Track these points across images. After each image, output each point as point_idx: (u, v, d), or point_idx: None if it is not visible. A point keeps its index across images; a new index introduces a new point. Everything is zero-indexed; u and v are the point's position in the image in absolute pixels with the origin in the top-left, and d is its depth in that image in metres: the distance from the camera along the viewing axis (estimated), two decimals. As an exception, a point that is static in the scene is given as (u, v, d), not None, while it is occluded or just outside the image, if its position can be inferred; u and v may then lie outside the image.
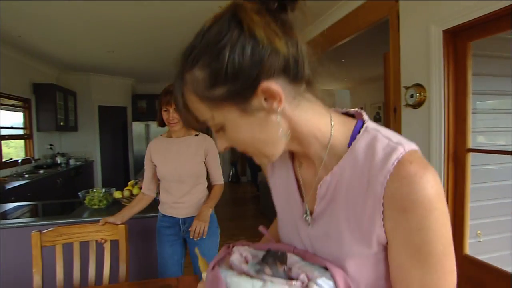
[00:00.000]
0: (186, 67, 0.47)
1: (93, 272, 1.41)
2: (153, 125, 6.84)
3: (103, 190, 2.14)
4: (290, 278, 0.50)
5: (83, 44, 4.11)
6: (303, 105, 0.50)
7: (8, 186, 3.17)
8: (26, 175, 3.90)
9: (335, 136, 0.52)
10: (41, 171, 4.26)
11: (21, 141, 4.58)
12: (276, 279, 0.48)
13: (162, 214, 1.79)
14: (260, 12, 0.44)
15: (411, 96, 2.07)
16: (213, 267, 0.55)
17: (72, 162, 5.13)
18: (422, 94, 2.01)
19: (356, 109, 0.57)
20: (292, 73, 0.46)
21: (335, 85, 8.20)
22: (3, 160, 3.94)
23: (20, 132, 4.51)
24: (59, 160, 4.95)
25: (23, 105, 4.54)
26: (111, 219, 1.52)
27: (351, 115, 0.57)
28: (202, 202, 1.75)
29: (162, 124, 1.75)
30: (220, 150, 0.58)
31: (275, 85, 0.45)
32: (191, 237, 1.58)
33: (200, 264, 0.70)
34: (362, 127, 0.51)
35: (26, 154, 4.59)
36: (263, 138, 0.50)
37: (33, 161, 4.44)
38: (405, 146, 0.46)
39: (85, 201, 2.08)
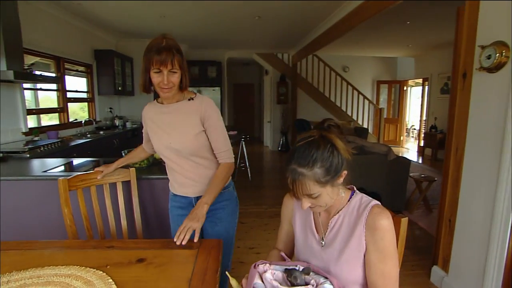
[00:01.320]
0: (307, 168, 0.89)
1: (110, 209, 1.69)
2: (205, 91, 6.96)
3: (146, 150, 2.20)
4: (306, 284, 0.91)
5: (138, 10, 4.19)
6: (346, 174, 0.96)
7: (71, 143, 3.48)
8: (88, 135, 4.25)
9: (343, 199, 1.02)
10: (101, 132, 4.61)
11: (85, 104, 4.97)
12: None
13: (172, 193, 1.56)
14: (336, 137, 0.93)
15: (488, 57, 1.71)
16: None
17: (128, 124, 5.48)
18: (503, 54, 1.64)
19: (351, 185, 1.04)
20: (348, 159, 0.94)
21: (396, 52, 7.38)
22: (70, 120, 4.33)
23: (84, 95, 4.89)
24: (117, 122, 5.31)
25: (85, 70, 4.88)
26: (102, 168, 1.65)
27: (348, 188, 1.04)
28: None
29: (148, 89, 1.37)
30: (303, 208, 0.96)
31: (344, 171, 0.94)
32: (174, 240, 1.24)
33: (233, 284, 0.97)
34: (354, 193, 1.03)
35: (89, 116, 4.99)
36: (333, 200, 0.97)
37: (94, 123, 4.82)
38: (374, 201, 0.97)
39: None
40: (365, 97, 8.14)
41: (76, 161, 2.44)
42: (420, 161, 6.90)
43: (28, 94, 3.81)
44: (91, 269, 1.07)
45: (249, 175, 5.21)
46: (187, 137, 1.39)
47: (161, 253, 1.18)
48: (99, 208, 1.66)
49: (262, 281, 0.93)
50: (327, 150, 0.90)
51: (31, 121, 3.71)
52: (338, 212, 1.01)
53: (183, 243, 1.22)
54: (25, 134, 3.38)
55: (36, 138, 3.33)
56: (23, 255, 1.18)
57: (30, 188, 1.96)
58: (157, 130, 1.45)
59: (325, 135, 0.93)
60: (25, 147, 2.79)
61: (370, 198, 0.99)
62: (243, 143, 5.08)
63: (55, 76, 3.47)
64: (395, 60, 8.88)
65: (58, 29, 4.10)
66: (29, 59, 3.82)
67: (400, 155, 3.75)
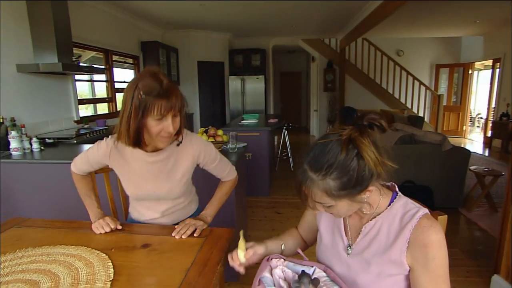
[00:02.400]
0: (318, 175, 0.74)
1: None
2: (249, 79, 6.91)
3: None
4: None
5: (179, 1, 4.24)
6: (375, 188, 0.81)
7: (117, 131, 3.68)
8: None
9: (381, 202, 0.85)
10: (147, 120, 4.82)
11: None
12: None
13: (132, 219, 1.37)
14: (368, 143, 0.74)
15: None
16: (259, 283, 0.82)
17: (174, 113, 5.66)
18: None
19: (392, 183, 0.87)
20: (379, 173, 0.76)
21: (460, 30, 6.53)
22: (118, 109, 4.59)
23: (132, 85, 5.15)
24: (163, 111, 5.51)
25: (133, 62, 5.11)
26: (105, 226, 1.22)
27: (387, 186, 0.89)
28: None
29: (137, 140, 1.07)
30: (313, 210, 0.83)
31: (372, 187, 0.77)
32: (173, 235, 1.15)
33: (240, 244, 0.91)
34: (396, 195, 0.86)
35: (137, 105, 5.25)
36: (351, 212, 0.85)
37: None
38: (423, 209, 0.80)
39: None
40: (421, 83, 7.43)
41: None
42: (487, 154, 6.12)
43: (85, 86, 4.11)
44: (96, 251, 1.06)
45: (291, 165, 5.07)
46: (177, 184, 1.24)
47: (167, 239, 1.14)
48: (124, 193, 1.68)
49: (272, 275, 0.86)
50: (350, 159, 0.72)
51: (88, 111, 4.01)
52: (375, 217, 0.84)
53: (183, 237, 1.15)
54: (77, 122, 3.64)
55: (86, 126, 3.57)
56: (44, 233, 1.22)
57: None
58: (136, 179, 1.22)
59: (355, 138, 0.73)
60: (73, 134, 2.99)
61: (417, 205, 0.82)
62: (286, 131, 4.94)
63: (99, 67, 3.67)
64: (458, 40, 7.92)
65: (107, 23, 4.34)
66: (86, 54, 4.12)
67: (463, 146, 3.31)
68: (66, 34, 3.08)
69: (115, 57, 4.56)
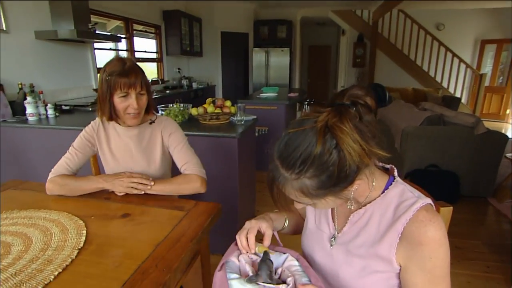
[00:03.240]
0: (291, 173, 0.61)
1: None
2: (273, 52, 6.67)
3: (181, 105, 2.15)
4: (283, 281, 0.70)
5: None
6: (363, 179, 0.66)
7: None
8: (154, 93, 4.47)
9: (374, 188, 0.73)
10: (167, 91, 4.82)
11: (154, 64, 5.23)
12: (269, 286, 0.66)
13: None
14: (350, 130, 0.59)
15: None
16: (220, 267, 0.72)
17: (195, 85, 5.62)
18: None
19: (391, 165, 0.77)
20: (367, 164, 0.62)
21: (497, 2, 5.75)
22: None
23: (153, 56, 5.12)
24: (184, 82, 5.48)
25: (154, 31, 5.05)
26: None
27: (386, 169, 0.78)
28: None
29: (111, 115, 1.19)
30: (297, 208, 0.74)
31: (359, 178, 0.64)
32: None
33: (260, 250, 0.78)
34: (393, 181, 0.73)
35: (158, 76, 5.25)
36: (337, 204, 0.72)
37: (160, 82, 5.05)
38: (423, 200, 0.67)
39: (163, 115, 2.15)
40: (461, 61, 6.80)
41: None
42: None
43: (107, 55, 4.13)
44: (76, 217, 1.04)
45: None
46: (152, 163, 1.30)
47: (148, 210, 1.10)
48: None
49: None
50: (328, 152, 0.58)
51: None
52: (365, 205, 0.74)
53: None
54: (96, 90, 3.69)
55: (105, 94, 3.62)
56: (35, 196, 1.23)
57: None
58: (115, 154, 1.29)
59: (332, 125, 0.59)
60: (89, 102, 3.02)
61: (417, 193, 0.69)
62: (307, 107, 4.76)
63: (117, 36, 3.63)
64: (509, 12, 7.07)
65: (128, -11, 4.26)
66: (111, 23, 4.11)
67: (501, 131, 2.97)
68: (82, 1, 3.05)
69: (136, 26, 4.52)
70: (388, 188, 0.72)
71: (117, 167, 1.30)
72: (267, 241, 0.80)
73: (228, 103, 2.20)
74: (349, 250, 0.74)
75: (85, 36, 2.93)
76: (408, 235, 0.65)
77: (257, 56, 6.73)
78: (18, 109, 2.45)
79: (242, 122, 2.13)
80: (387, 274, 0.69)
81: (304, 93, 4.78)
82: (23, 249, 0.87)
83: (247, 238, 0.78)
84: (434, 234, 0.63)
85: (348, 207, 0.75)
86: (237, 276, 0.72)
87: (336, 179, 0.60)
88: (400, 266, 0.68)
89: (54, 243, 0.90)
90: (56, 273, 0.77)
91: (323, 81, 10.12)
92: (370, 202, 0.73)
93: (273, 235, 0.86)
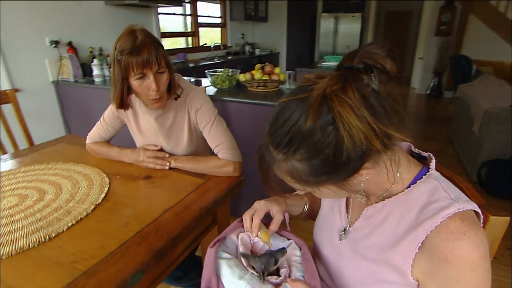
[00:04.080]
0: (278, 153, 0.50)
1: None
2: (344, 18, 6.15)
3: (230, 71, 2.11)
4: (277, 270, 0.65)
5: None
6: (380, 167, 0.53)
7: (191, 65, 3.78)
8: (216, 59, 4.51)
9: (398, 181, 0.58)
10: (229, 57, 4.82)
11: (218, 29, 5.23)
12: (256, 279, 0.61)
13: None
14: (355, 102, 0.45)
15: None
16: (215, 243, 0.68)
17: (257, 52, 5.51)
18: None
19: (429, 153, 0.61)
20: (378, 149, 0.47)
21: None
22: (200, 45, 4.67)
23: (217, 21, 5.11)
24: (246, 48, 5.42)
25: (219, -6, 5.00)
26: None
27: (423, 157, 0.62)
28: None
29: (125, 104, 1.08)
30: (300, 194, 0.76)
31: (369, 166, 0.50)
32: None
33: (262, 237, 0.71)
34: (426, 173, 0.57)
35: (221, 41, 5.26)
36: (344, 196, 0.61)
37: (221, 47, 5.05)
38: (462, 204, 0.50)
39: (211, 80, 2.14)
40: None
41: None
42: None
43: (171, 20, 4.25)
44: (104, 174, 1.10)
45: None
46: (180, 142, 1.20)
47: (171, 175, 1.11)
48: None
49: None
50: (322, 130, 0.46)
51: (170, 44, 4.21)
52: (383, 200, 0.59)
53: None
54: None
55: (167, 59, 3.76)
56: (81, 151, 1.33)
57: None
58: (143, 134, 1.23)
59: (331, 95, 0.46)
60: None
61: (455, 194, 0.53)
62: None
63: (180, 0, 3.66)
64: None
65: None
66: None
67: None
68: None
69: (201, -10, 4.51)
70: (416, 182, 0.57)
71: (145, 143, 1.24)
72: (274, 226, 0.73)
73: (277, 70, 2.08)
74: (358, 249, 0.62)
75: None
76: (430, 247, 0.50)
77: (325, 23, 6.28)
78: (87, 71, 2.68)
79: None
80: (398, 287, 0.56)
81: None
82: (53, 197, 0.95)
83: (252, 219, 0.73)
84: (467, 252, 0.47)
85: (359, 199, 0.63)
86: (229, 256, 0.68)
87: (332, 165, 0.48)
88: (418, 281, 0.54)
89: (78, 196, 0.96)
90: (69, 224, 0.82)
91: (400, 51, 9.07)
92: (390, 198, 0.58)
93: (285, 221, 0.80)
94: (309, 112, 0.46)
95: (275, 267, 0.64)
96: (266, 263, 0.63)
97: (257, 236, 0.72)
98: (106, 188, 1.00)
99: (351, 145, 0.46)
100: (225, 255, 0.68)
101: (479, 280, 0.48)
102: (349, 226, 0.66)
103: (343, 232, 0.67)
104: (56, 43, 2.55)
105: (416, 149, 0.65)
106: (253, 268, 0.64)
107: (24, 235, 0.77)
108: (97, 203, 0.92)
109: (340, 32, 6.26)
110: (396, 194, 0.58)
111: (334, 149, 0.46)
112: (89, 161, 1.22)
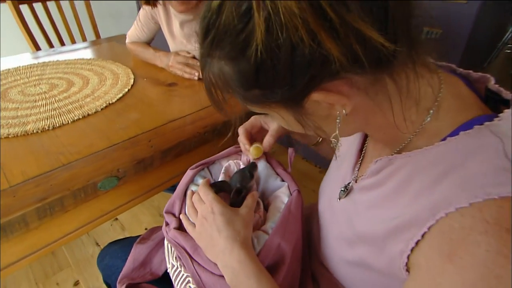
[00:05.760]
0: (202, 45, 0.33)
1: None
2: None
3: None
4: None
5: None
6: (381, 95, 0.33)
7: None
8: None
9: (426, 129, 0.36)
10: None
11: None
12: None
13: None
14: None
15: None
16: (197, 166, 0.61)
17: None
18: None
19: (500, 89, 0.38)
20: (370, 59, 0.28)
21: None
22: None
23: None
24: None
25: None
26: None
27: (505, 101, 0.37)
28: None
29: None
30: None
31: (340, 86, 0.31)
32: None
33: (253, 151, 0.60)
34: (482, 123, 0.33)
35: None
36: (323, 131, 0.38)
37: None
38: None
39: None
40: None
41: None
42: None
43: None
44: (133, 76, 1.06)
45: None
46: None
47: (194, 85, 1.01)
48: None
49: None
50: (237, 14, 0.28)
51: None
52: (399, 152, 0.39)
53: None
54: None
55: None
56: (122, 51, 1.31)
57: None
58: (174, 36, 1.14)
59: None
60: None
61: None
62: None
63: None
64: None
65: None
66: None
67: None
68: None
69: None
70: (458, 133, 0.33)
71: (177, 49, 1.17)
72: (269, 137, 0.60)
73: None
74: (351, 218, 0.44)
75: None
76: (439, 234, 0.31)
77: None
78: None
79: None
80: (382, 279, 0.39)
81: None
82: (76, 91, 0.96)
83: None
84: (490, 254, 0.27)
85: (332, 146, 0.42)
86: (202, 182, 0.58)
87: (258, 73, 0.30)
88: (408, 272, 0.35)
89: (97, 93, 0.94)
90: (75, 118, 0.81)
91: None
92: (407, 151, 0.37)
93: (289, 152, 0.65)
94: None
95: (252, 182, 0.53)
96: (240, 180, 0.52)
97: (249, 151, 0.60)
98: (126, 89, 0.96)
99: (273, 40, 0.27)
100: (200, 182, 0.58)
101: None
102: (355, 182, 0.47)
103: (343, 189, 0.49)
104: None
105: (497, 86, 0.39)
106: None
107: (35, 121, 0.79)
108: (110, 102, 0.89)
109: None
110: (412, 151, 0.37)
111: (255, 45, 0.28)
112: (125, 60, 1.19)
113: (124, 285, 0.56)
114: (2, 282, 1.26)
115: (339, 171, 0.54)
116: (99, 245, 1.41)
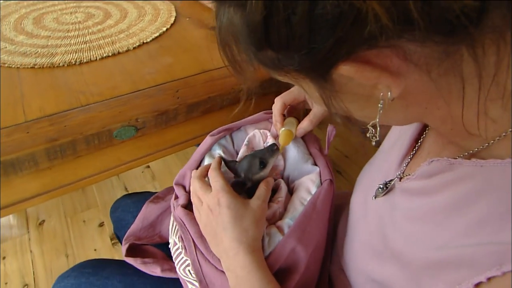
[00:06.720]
0: None
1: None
2: None
3: None
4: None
5: None
6: (451, 77, 0.22)
7: None
8: None
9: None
10: None
11: None
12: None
13: None
14: None
15: None
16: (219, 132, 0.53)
17: None
18: None
19: None
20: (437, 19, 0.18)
21: None
22: None
23: None
24: None
25: None
26: None
27: None
28: None
29: None
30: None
31: (384, 58, 0.21)
32: None
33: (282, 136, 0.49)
34: None
35: None
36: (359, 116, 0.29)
37: None
38: None
39: None
40: None
41: None
42: None
43: None
44: (174, 13, 0.96)
45: None
46: None
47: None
48: None
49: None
50: None
51: None
52: (468, 158, 0.27)
53: None
54: None
55: None
56: None
57: None
58: None
59: None
60: None
61: None
62: None
63: None
64: None
65: None
66: None
67: None
68: None
69: None
70: None
71: None
72: (306, 123, 0.49)
73: None
74: (384, 225, 0.34)
75: None
76: None
77: None
78: None
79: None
80: None
81: None
82: (112, 24, 0.89)
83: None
84: None
85: (368, 135, 0.30)
86: (222, 156, 0.49)
87: (266, 30, 0.21)
88: None
89: (133, 29, 0.86)
90: (104, 55, 0.74)
91: None
92: (484, 160, 0.26)
93: (328, 134, 0.53)
94: None
95: (262, 172, 0.43)
96: (246, 169, 0.42)
97: (279, 130, 0.50)
98: (165, 28, 0.87)
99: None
100: (217, 152, 0.49)
101: None
102: (399, 180, 0.36)
103: (382, 186, 0.37)
104: None
105: None
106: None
107: (63, 53, 0.74)
108: (145, 41, 0.80)
109: None
110: (494, 158, 0.25)
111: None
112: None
113: (127, 245, 0.52)
114: (35, 209, 1.34)
115: (383, 162, 0.42)
116: (127, 190, 1.44)
